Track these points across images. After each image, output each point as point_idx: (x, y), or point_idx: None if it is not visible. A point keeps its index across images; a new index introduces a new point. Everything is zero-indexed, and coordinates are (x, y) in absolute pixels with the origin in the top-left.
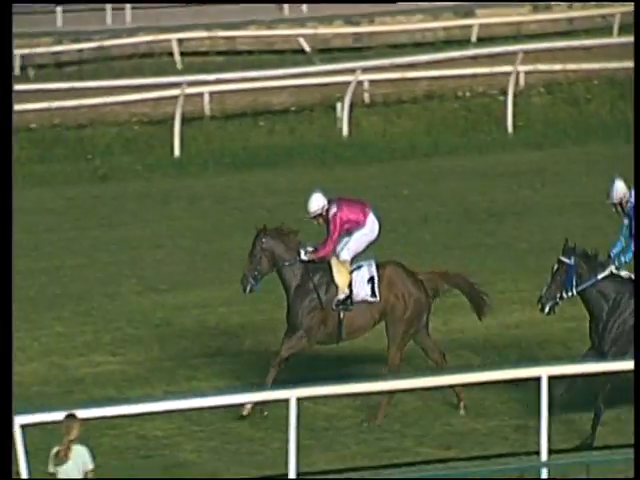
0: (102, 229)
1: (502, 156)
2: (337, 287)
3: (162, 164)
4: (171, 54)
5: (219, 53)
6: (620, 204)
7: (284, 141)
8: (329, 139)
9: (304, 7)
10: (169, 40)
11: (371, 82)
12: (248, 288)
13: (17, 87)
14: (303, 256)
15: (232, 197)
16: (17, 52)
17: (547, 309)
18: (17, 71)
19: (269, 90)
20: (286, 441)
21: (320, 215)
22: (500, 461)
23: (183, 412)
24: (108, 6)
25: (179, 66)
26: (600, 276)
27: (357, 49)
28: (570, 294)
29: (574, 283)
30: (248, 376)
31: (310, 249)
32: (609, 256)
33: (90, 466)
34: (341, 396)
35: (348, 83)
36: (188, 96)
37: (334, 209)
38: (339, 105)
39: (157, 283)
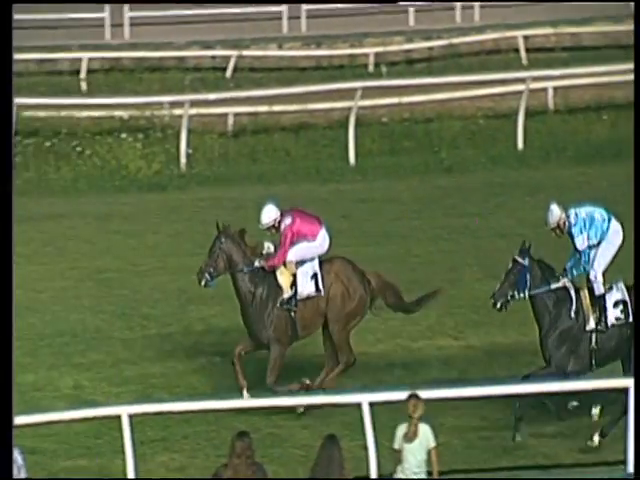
0: (446, 218)
1: None
2: (281, 288)
3: (505, 156)
4: (517, 50)
5: (564, 49)
6: (558, 227)
7: (627, 134)
8: None
9: None
10: (515, 37)
11: None
12: (203, 282)
13: (369, 83)
14: (257, 263)
15: (572, 189)
16: (370, 50)
17: (499, 305)
18: (370, 68)
19: (614, 85)
20: None
21: (272, 227)
22: None
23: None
24: (458, 5)
25: (524, 62)
26: (553, 286)
27: None
28: (522, 295)
29: (527, 285)
30: None
31: (265, 256)
32: (564, 269)
33: (432, 444)
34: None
35: None
36: (532, 91)
37: (287, 221)
38: None
39: (498, 271)
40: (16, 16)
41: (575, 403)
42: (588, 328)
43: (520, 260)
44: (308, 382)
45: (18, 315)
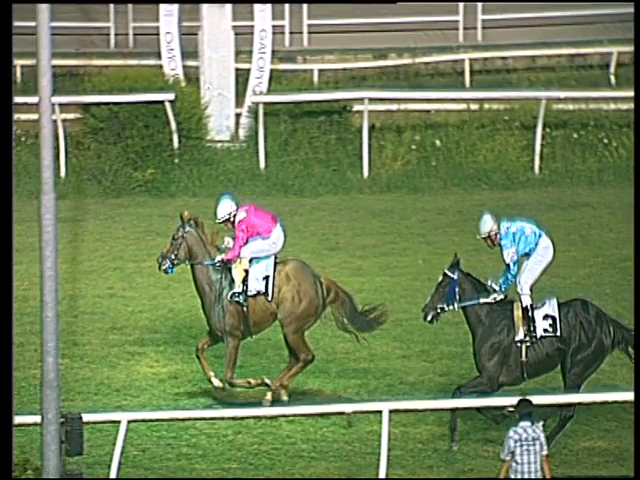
0: None
1: None
2: (234, 282)
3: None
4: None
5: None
6: (489, 238)
7: None
8: None
9: None
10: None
11: None
12: (163, 268)
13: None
14: (217, 258)
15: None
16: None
17: (429, 318)
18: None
19: None
20: None
21: (228, 220)
22: None
23: None
24: None
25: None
26: (482, 300)
27: None
28: (452, 308)
29: (456, 297)
30: None
31: (225, 250)
32: (496, 282)
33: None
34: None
35: None
36: None
37: (241, 216)
38: None
39: None
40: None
41: (511, 408)
42: (517, 339)
43: (449, 274)
44: (267, 380)
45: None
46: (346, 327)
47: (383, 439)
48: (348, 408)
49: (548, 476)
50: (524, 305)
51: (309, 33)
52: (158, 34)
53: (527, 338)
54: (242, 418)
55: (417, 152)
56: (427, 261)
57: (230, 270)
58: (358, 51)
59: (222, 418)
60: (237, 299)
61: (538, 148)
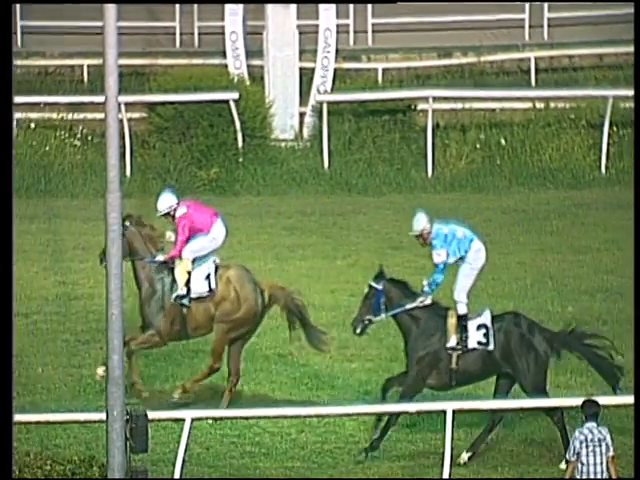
0: None
1: None
2: (176, 283)
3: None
4: None
5: None
6: (422, 236)
7: None
8: None
9: None
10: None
11: None
12: (104, 263)
13: None
14: (159, 257)
15: None
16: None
17: (358, 330)
18: None
19: None
20: None
21: (168, 214)
22: None
23: None
24: None
25: None
26: (408, 306)
27: None
28: (379, 317)
29: (381, 307)
30: None
31: (166, 250)
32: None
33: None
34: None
35: None
36: None
37: (181, 211)
38: None
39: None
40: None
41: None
42: (449, 346)
43: (374, 285)
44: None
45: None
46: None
47: (447, 439)
48: (412, 408)
49: (614, 477)
50: (459, 314)
51: (373, 32)
52: (223, 33)
53: (459, 346)
54: (305, 417)
55: (482, 151)
56: (491, 261)
57: (173, 270)
58: (423, 50)
59: (285, 416)
60: (181, 302)
61: (605, 147)
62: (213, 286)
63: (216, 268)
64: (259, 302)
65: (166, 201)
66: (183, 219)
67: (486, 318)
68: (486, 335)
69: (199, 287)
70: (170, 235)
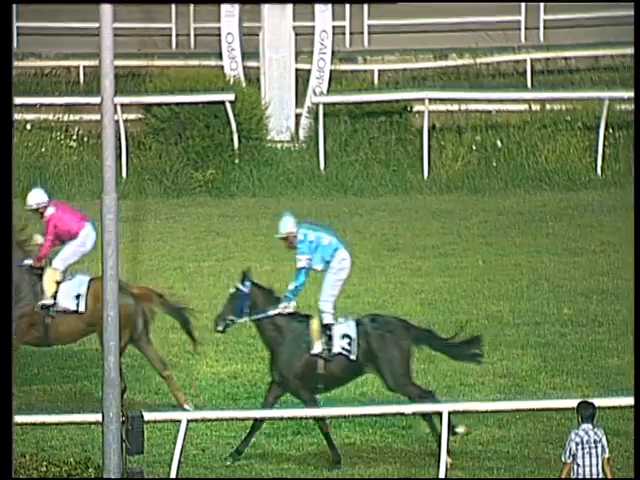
0: None
1: None
2: (43, 291)
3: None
4: None
5: None
6: (287, 239)
7: None
8: None
9: None
10: None
11: None
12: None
13: None
14: (27, 262)
15: None
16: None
17: (219, 328)
18: None
19: None
20: None
21: (36, 211)
22: None
23: None
24: None
25: None
26: (271, 312)
27: None
28: (242, 320)
29: (245, 310)
30: None
31: (34, 255)
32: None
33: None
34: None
35: None
36: None
37: (50, 212)
38: None
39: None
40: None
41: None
42: (313, 353)
43: (240, 287)
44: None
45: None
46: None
47: (442, 441)
48: (408, 409)
49: (610, 478)
50: (324, 323)
51: (369, 33)
52: (219, 35)
53: (323, 353)
54: (301, 418)
55: (478, 153)
56: (487, 262)
57: (40, 277)
58: (419, 51)
59: (281, 418)
60: (46, 312)
61: (600, 149)
62: (82, 309)
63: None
64: (130, 304)
65: (36, 197)
66: (52, 220)
67: (349, 327)
68: (350, 344)
69: (67, 303)
70: (38, 238)
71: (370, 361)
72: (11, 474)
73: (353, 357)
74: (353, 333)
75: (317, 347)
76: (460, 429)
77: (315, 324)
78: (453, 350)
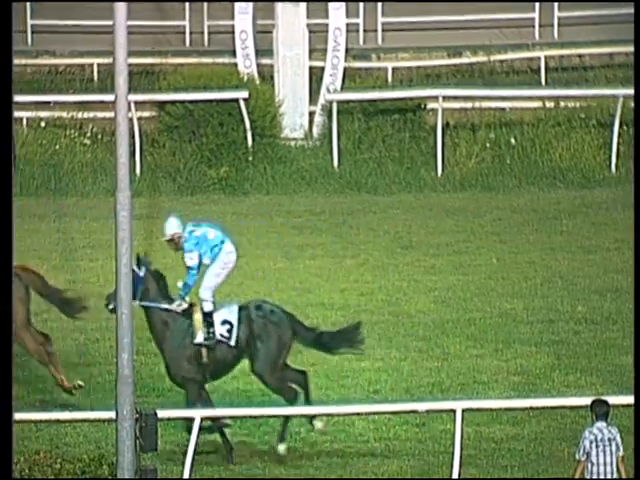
0: None
1: None
2: None
3: None
4: None
5: None
6: (173, 241)
7: None
8: None
9: None
10: None
11: None
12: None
13: None
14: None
15: None
16: None
17: (110, 307)
18: None
19: None
20: None
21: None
22: None
23: None
24: None
25: None
26: (163, 306)
27: None
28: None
29: (137, 294)
30: None
31: None
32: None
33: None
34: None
35: None
36: None
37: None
38: None
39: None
40: None
41: (228, 421)
42: (196, 342)
43: (136, 270)
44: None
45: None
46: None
47: (456, 438)
48: (421, 407)
49: (624, 477)
50: (205, 311)
51: (383, 31)
52: (233, 32)
53: (206, 341)
54: (314, 416)
55: (492, 150)
56: (501, 260)
57: None
58: (432, 49)
59: (295, 416)
60: None
61: (615, 146)
62: None
63: None
64: (18, 284)
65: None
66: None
67: (231, 312)
68: (230, 330)
69: None
70: None
71: (248, 346)
72: (11, 474)
73: (232, 343)
74: (234, 319)
75: (199, 336)
76: (318, 424)
77: (196, 313)
78: (332, 343)
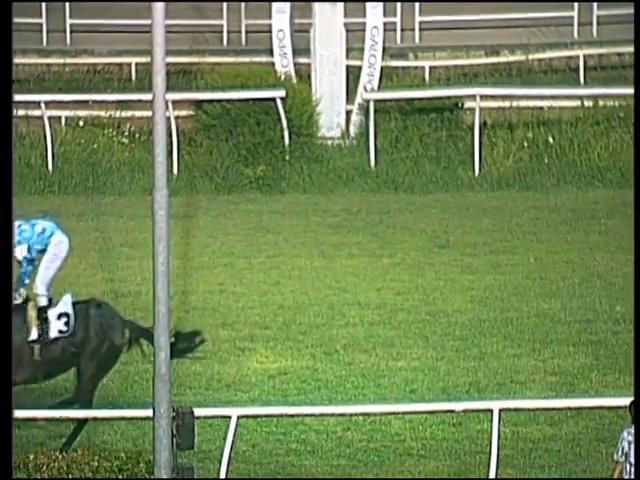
0: None
1: None
2: None
3: None
4: None
5: None
6: None
7: None
8: None
9: None
10: None
11: None
12: None
13: None
14: None
15: None
16: None
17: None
18: None
19: None
20: None
21: None
22: None
23: None
24: None
25: None
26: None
27: None
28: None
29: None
30: None
31: None
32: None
33: None
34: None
35: None
36: None
37: None
38: None
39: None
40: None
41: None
42: (30, 339)
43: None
44: None
45: None
46: None
47: (493, 438)
48: (458, 406)
49: None
50: (40, 306)
51: (421, 30)
52: (270, 31)
53: (41, 338)
54: (351, 415)
55: (529, 149)
56: (539, 259)
57: None
58: (470, 48)
59: (331, 415)
60: None
61: None
62: None
63: None
64: None
65: None
66: None
67: (66, 305)
68: (67, 323)
69: None
70: None
71: (84, 346)
72: (11, 474)
73: (73, 333)
74: (70, 311)
75: (33, 333)
76: None
77: (32, 309)
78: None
